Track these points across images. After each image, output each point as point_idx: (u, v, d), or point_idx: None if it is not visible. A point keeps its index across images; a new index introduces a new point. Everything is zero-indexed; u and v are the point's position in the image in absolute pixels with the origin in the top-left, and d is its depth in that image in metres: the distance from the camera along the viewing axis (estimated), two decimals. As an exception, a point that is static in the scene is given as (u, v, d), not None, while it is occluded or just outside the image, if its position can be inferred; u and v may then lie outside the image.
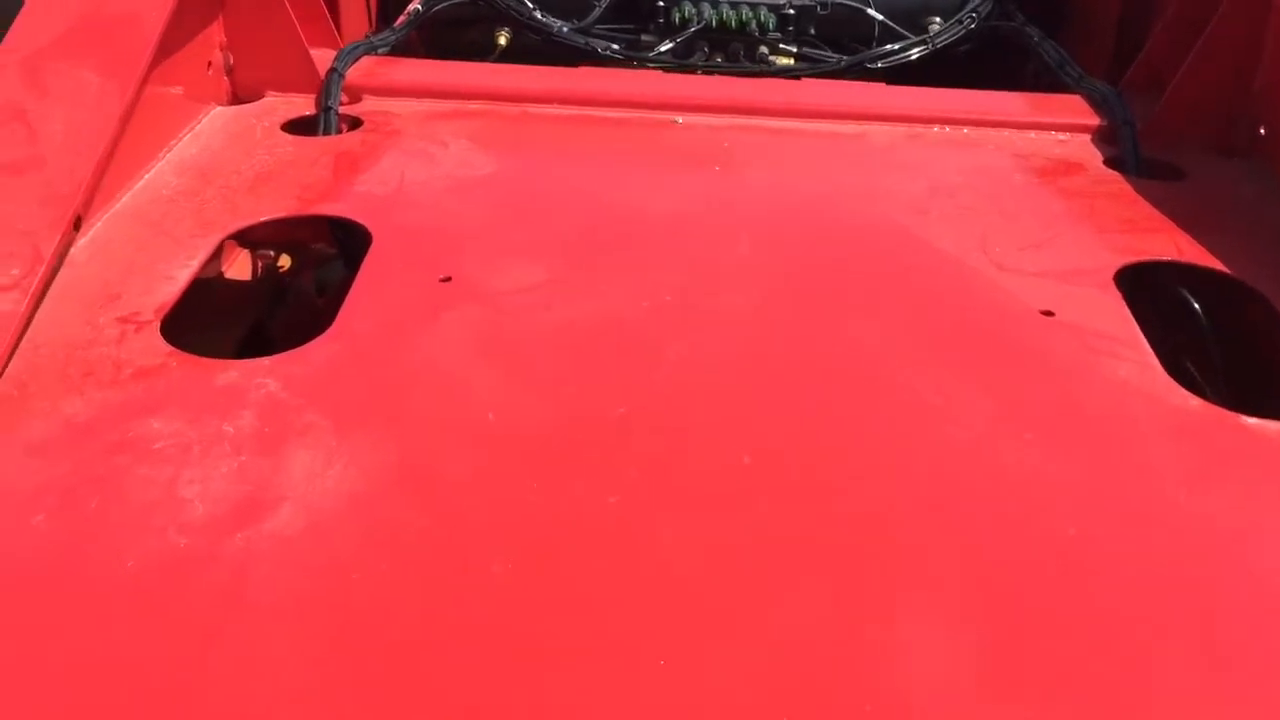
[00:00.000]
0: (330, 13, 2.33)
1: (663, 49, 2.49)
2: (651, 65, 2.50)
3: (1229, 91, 1.89)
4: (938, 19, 2.64)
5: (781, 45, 2.52)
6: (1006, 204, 1.69)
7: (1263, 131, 1.85)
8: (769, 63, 2.48)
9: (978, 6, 2.56)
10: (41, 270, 1.26)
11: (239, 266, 2.03)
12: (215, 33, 1.93)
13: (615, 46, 2.47)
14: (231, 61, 1.96)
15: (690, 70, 2.53)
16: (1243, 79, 1.88)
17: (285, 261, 2.09)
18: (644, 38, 2.59)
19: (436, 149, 1.79)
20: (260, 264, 2.07)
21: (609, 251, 1.50)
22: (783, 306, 1.40)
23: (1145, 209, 1.69)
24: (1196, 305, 1.56)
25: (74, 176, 1.37)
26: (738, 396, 1.23)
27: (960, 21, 2.53)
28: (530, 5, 2.56)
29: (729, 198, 1.67)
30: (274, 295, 2.04)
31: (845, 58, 2.45)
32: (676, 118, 1.94)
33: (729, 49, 2.52)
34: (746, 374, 1.27)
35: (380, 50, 2.15)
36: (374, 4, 2.74)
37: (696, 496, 1.09)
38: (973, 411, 1.24)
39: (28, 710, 0.87)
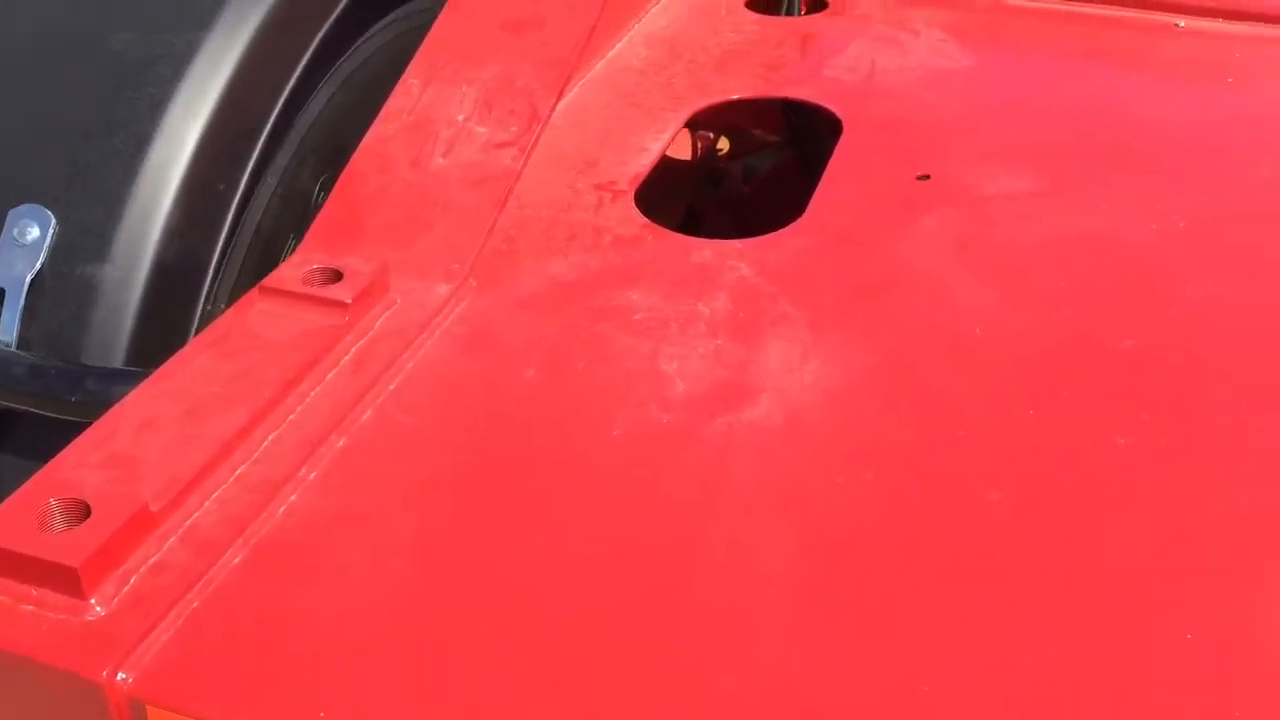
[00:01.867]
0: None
1: None
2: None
3: None
4: None
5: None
6: None
7: None
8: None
9: None
10: (538, 130, 1.28)
11: (678, 145, 2.02)
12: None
13: None
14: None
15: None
16: None
17: (724, 145, 2.07)
18: None
19: (908, 37, 1.68)
20: (700, 144, 2.05)
21: (1104, 163, 1.35)
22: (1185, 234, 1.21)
23: None
24: None
25: (571, 39, 1.38)
26: (1275, 350, 1.07)
27: None
28: None
29: (1246, 114, 1.46)
30: (709, 178, 2.03)
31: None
32: (1178, 20, 1.72)
33: None
34: None
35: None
36: None
37: (1219, 457, 0.95)
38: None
39: (510, 564, 0.88)
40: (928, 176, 1.33)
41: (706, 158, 2.05)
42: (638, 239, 1.26)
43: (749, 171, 2.13)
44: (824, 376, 1.06)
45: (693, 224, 1.96)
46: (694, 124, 1.99)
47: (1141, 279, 1.16)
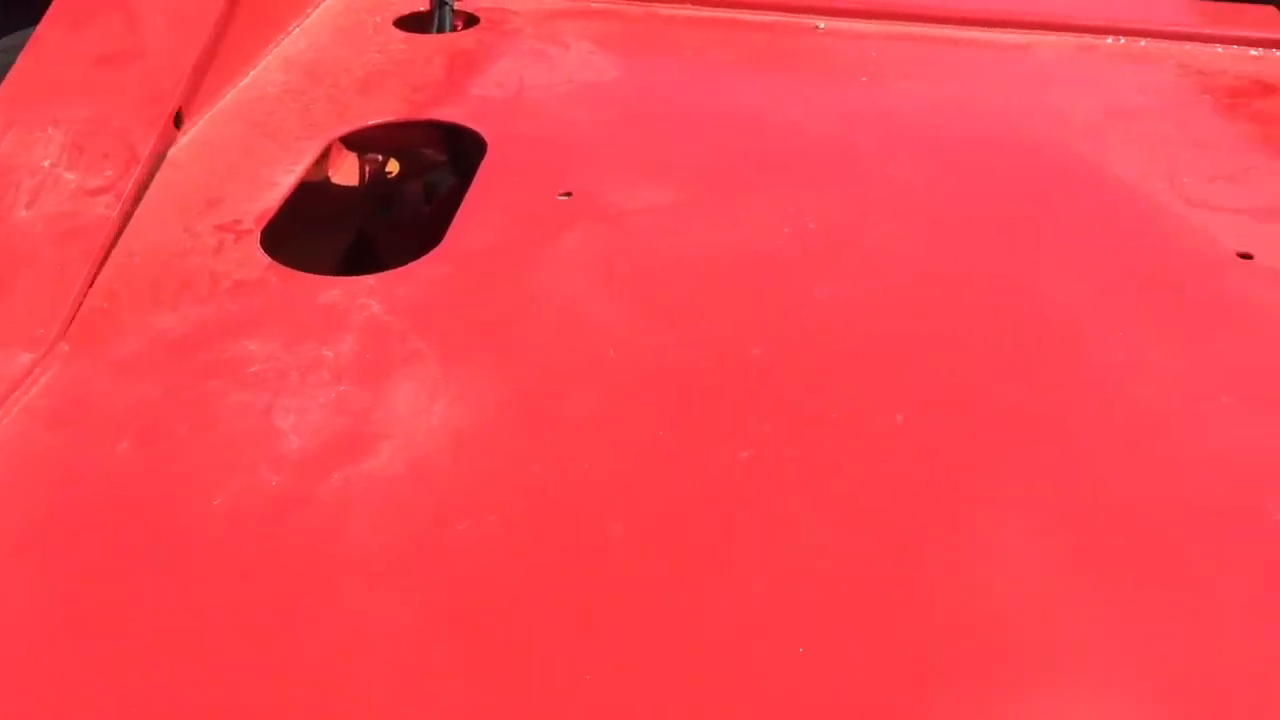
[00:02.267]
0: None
1: None
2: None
3: None
4: None
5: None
6: (1194, 129, 1.49)
7: None
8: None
9: None
10: (137, 171, 1.17)
11: (346, 171, 1.93)
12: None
13: None
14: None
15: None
16: None
17: (394, 167, 1.99)
18: None
19: (557, 51, 1.65)
20: (367, 169, 1.97)
21: (745, 170, 1.36)
22: (944, 240, 1.25)
23: None
24: None
25: (175, 70, 1.27)
26: (891, 343, 1.09)
27: None
28: None
29: (879, 113, 1.51)
30: (380, 202, 1.95)
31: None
32: (818, 23, 1.77)
33: None
34: (902, 317, 1.13)
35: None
36: None
37: (839, 457, 0.96)
38: (1162, 370, 1.08)
39: (98, 657, 0.79)
40: (570, 194, 1.30)
41: (375, 181, 1.97)
42: (260, 283, 1.17)
43: (430, 191, 2.06)
44: (453, 417, 1.00)
45: (368, 254, 1.88)
46: (358, 147, 1.91)
47: (772, 286, 1.16)
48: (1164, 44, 1.73)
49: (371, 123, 1.47)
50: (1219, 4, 1.93)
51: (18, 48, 1.65)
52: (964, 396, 1.04)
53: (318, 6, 1.76)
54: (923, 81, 1.60)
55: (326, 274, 1.20)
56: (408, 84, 1.56)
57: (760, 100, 1.54)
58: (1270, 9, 1.81)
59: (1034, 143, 1.45)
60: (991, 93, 1.59)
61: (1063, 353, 1.09)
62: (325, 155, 1.62)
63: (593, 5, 1.81)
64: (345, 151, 1.89)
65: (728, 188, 1.31)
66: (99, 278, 1.14)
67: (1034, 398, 1.04)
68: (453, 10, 1.78)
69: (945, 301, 1.15)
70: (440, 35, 1.73)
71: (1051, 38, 1.74)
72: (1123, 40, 1.74)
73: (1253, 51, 1.72)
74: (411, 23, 1.76)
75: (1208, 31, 1.74)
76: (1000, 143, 1.45)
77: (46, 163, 1.16)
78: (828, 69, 1.65)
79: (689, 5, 1.80)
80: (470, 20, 1.77)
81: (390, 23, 1.74)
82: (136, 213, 1.23)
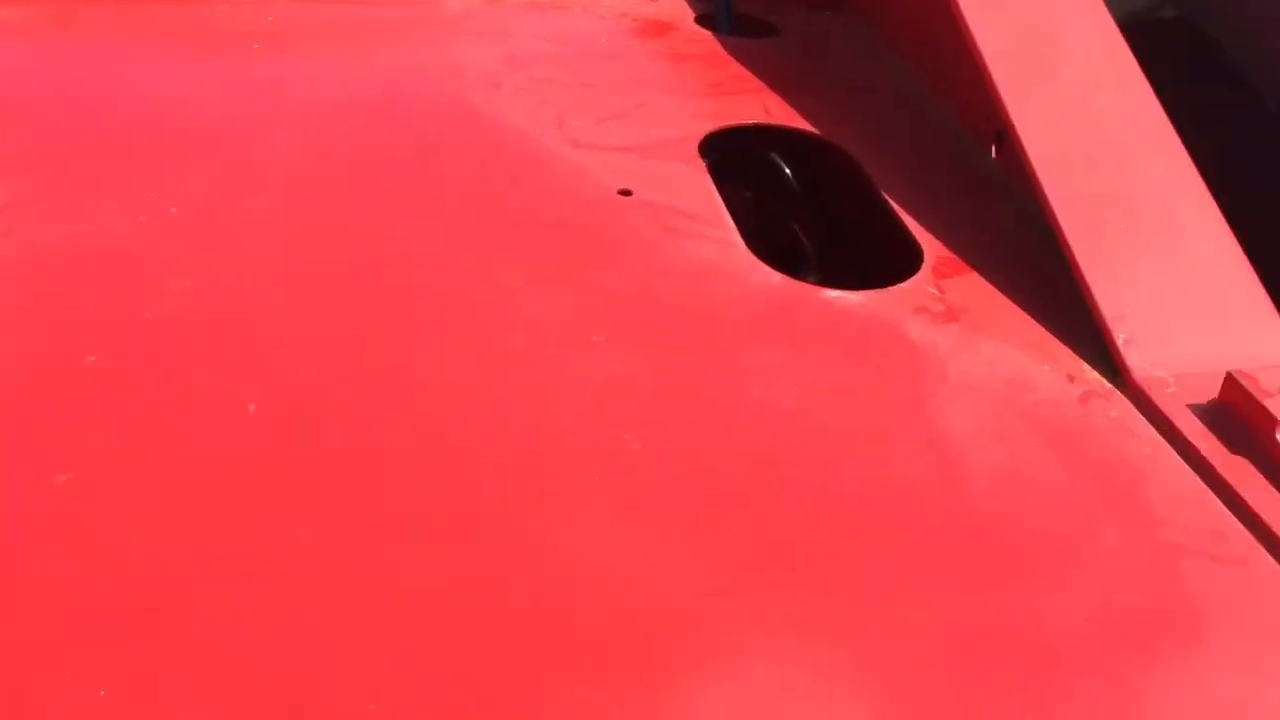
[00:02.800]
0: None
1: None
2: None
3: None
4: None
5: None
6: (588, 73, 1.53)
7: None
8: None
9: None
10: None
11: None
12: None
13: None
14: None
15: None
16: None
17: None
18: None
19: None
20: None
21: (104, 157, 1.23)
22: (322, 211, 1.19)
23: (735, 69, 1.57)
24: (787, 169, 1.47)
25: None
26: (253, 329, 1.01)
27: None
28: None
29: (268, 83, 1.42)
30: None
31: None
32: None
33: None
34: (268, 297, 1.06)
35: None
36: None
37: (181, 463, 0.87)
38: (539, 314, 1.08)
39: None
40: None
41: None
42: None
43: None
44: None
45: None
46: None
47: (116, 283, 1.05)
48: None
49: None
50: None
51: None
52: (330, 373, 0.98)
53: None
54: (324, 45, 1.53)
55: None
56: None
57: (135, 77, 1.40)
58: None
59: (429, 100, 1.42)
60: (392, 52, 1.55)
61: (437, 311, 1.07)
62: None
63: None
64: None
65: (76, 178, 1.18)
66: None
67: (405, 361, 1.01)
68: None
69: (315, 275, 1.09)
70: None
71: None
72: (536, -11, 1.75)
73: None
74: None
75: None
76: (393, 103, 1.41)
77: None
78: (217, 38, 1.53)
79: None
80: None
81: None
82: None
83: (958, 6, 1.37)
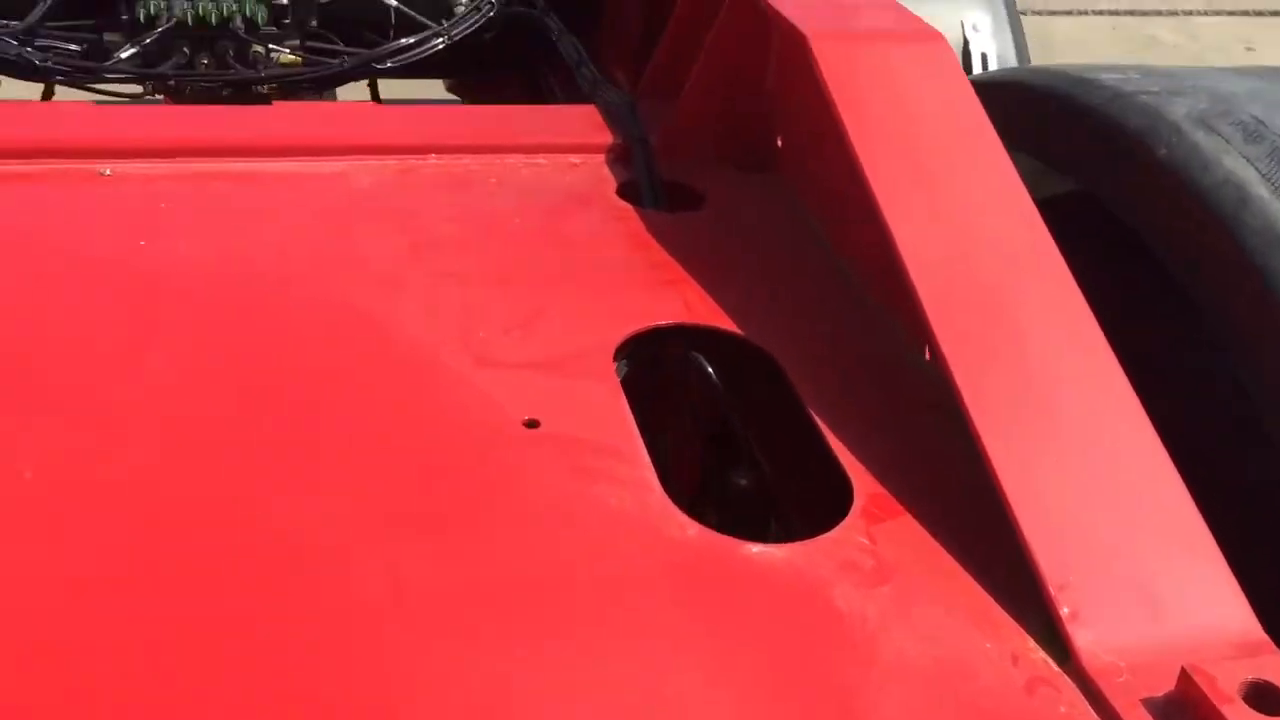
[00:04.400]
0: None
1: (125, 54, 2.05)
2: (111, 79, 2.07)
3: (741, 99, 1.72)
4: None
5: (276, 45, 2.15)
6: (500, 262, 1.43)
7: (779, 142, 1.70)
8: (263, 63, 2.11)
9: None
10: None
11: None
12: None
13: (57, 60, 2.00)
14: None
15: (163, 85, 2.12)
16: (754, 84, 1.72)
17: None
18: (107, 37, 2.13)
19: None
20: None
21: None
22: (185, 464, 1.07)
23: (657, 253, 1.48)
24: (713, 374, 1.38)
25: None
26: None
27: (479, 9, 2.25)
28: None
29: (147, 292, 1.30)
30: None
31: (348, 58, 2.12)
32: (104, 168, 1.53)
33: (215, 49, 2.11)
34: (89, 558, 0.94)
35: None
36: None
37: None
38: (425, 598, 0.97)
39: None
40: None
41: None
42: None
43: None
44: None
45: None
46: None
47: None
48: (489, 159, 1.67)
49: None
50: (548, 108, 1.92)
51: None
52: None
53: None
54: (212, 237, 1.42)
55: None
56: None
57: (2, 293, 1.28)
58: (591, 110, 1.81)
59: (319, 303, 1.31)
60: (290, 239, 1.44)
61: (284, 603, 0.95)
62: None
63: None
64: None
65: None
66: None
67: (244, 655, 0.90)
68: None
69: (156, 548, 0.98)
70: None
71: (373, 162, 1.62)
72: (447, 158, 1.66)
73: (573, 159, 1.70)
74: None
75: (532, 140, 1.71)
76: (279, 306, 1.30)
77: None
78: (103, 231, 1.42)
79: (-68, 161, 1.50)
80: None
81: None
82: None
83: (876, 200, 1.29)
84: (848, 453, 1.18)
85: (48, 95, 2.24)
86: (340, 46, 2.25)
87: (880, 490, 1.13)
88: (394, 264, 1.40)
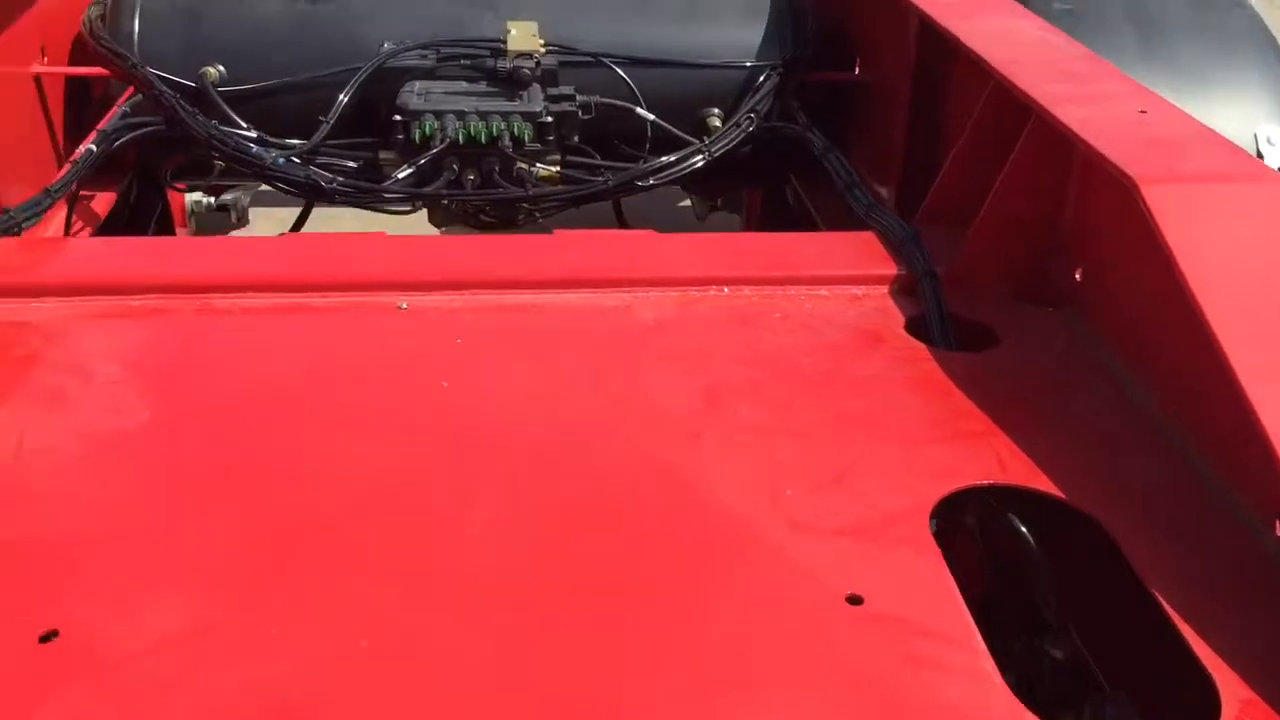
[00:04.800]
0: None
1: (402, 174, 2.13)
2: (390, 198, 2.15)
3: (1037, 230, 1.64)
4: (716, 110, 2.36)
5: (540, 162, 2.19)
6: (798, 411, 1.39)
7: (1078, 276, 1.61)
8: (529, 180, 2.15)
9: (756, 105, 2.28)
10: None
11: None
12: None
13: (341, 180, 2.10)
14: None
15: (435, 202, 2.18)
16: (1051, 216, 1.64)
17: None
18: (382, 155, 2.22)
19: (77, 384, 1.38)
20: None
21: (284, 560, 1.13)
22: (501, 643, 1.05)
23: (957, 399, 1.41)
24: (1030, 538, 1.29)
25: None
26: None
27: (738, 124, 2.25)
28: (245, 130, 2.15)
29: (460, 438, 1.32)
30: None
31: (612, 176, 2.14)
32: (401, 301, 1.58)
33: (482, 165, 2.17)
34: None
35: (27, 223, 1.72)
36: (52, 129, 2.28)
37: None
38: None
39: None
40: (54, 634, 1.03)
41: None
42: None
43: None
44: None
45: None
46: None
47: None
48: (770, 291, 1.64)
49: None
50: (824, 235, 1.88)
51: None
52: None
53: None
54: (511, 378, 1.43)
55: None
56: None
57: (317, 440, 1.31)
58: (869, 237, 1.77)
59: (625, 456, 1.29)
60: (584, 380, 1.44)
61: None
62: None
63: (134, 303, 1.55)
64: None
65: (259, 592, 1.08)
66: None
67: None
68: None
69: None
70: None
71: (654, 294, 1.62)
72: (727, 290, 1.64)
73: (855, 290, 1.65)
74: None
75: (811, 271, 1.67)
76: (587, 459, 1.29)
77: None
78: (407, 370, 1.45)
79: (250, 294, 1.57)
80: None
81: None
82: None
83: (1228, 362, 1.19)
84: (1204, 645, 1.07)
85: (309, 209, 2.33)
86: (597, 160, 2.28)
87: (1252, 697, 1.02)
88: (690, 412, 1.37)
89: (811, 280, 1.65)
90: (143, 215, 2.60)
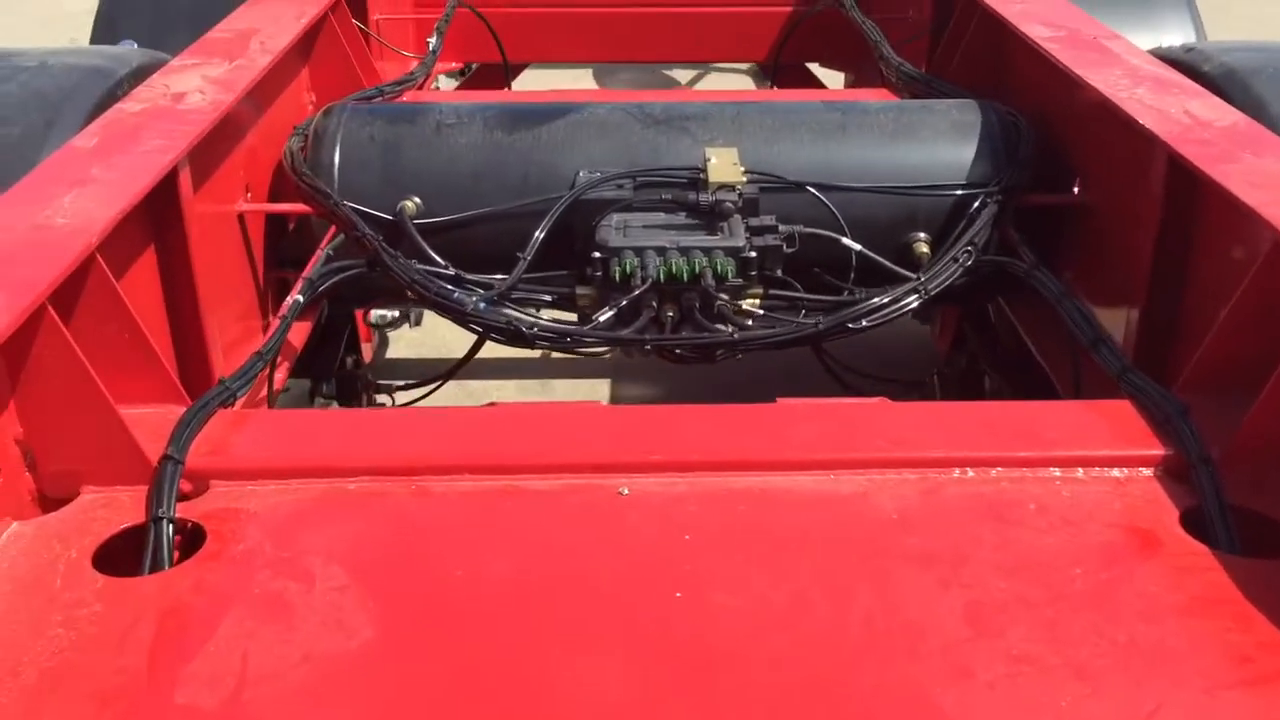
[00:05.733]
0: (183, 324, 1.89)
1: (603, 318, 2.04)
2: (590, 344, 2.07)
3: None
4: (923, 235, 2.23)
5: (742, 296, 2.08)
6: (1077, 640, 1.23)
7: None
8: (729, 317, 2.04)
9: (975, 236, 2.13)
10: None
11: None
12: (8, 424, 1.47)
13: (540, 327, 2.02)
14: (33, 454, 1.49)
15: (636, 345, 2.09)
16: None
17: None
18: (579, 290, 2.14)
19: (298, 590, 1.32)
20: None
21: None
22: None
23: (1257, 625, 1.24)
24: None
25: None
26: None
27: (955, 259, 2.11)
28: (443, 268, 2.11)
29: (697, 664, 1.21)
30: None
31: (822, 320, 2.02)
32: (622, 486, 1.48)
33: (681, 301, 2.07)
34: None
35: (240, 392, 1.70)
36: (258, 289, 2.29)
37: None
38: None
39: None
40: None
41: None
42: None
43: None
44: None
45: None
46: None
47: None
48: (1020, 474, 1.49)
49: None
50: (1073, 404, 1.72)
51: None
52: None
53: (2, 533, 1.40)
54: (742, 574, 1.32)
55: None
56: (94, 691, 1.19)
57: (546, 652, 1.22)
58: (1123, 405, 1.60)
59: (883, 687, 1.17)
60: (827, 586, 1.31)
61: None
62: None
63: (349, 486, 1.49)
64: None
65: None
66: None
67: None
68: (173, 525, 1.43)
69: None
70: (152, 577, 1.37)
71: (892, 476, 1.49)
72: (971, 472, 1.50)
73: (1115, 473, 1.49)
74: (122, 548, 1.41)
75: (1064, 451, 1.52)
76: (838, 690, 1.17)
77: None
78: (632, 574, 1.35)
79: (467, 476, 1.51)
80: (196, 534, 1.43)
81: (89, 557, 1.38)
82: None
83: None
84: None
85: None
86: (800, 292, 2.16)
87: None
88: (953, 638, 1.23)
89: (1066, 461, 1.50)
90: (333, 336, 2.60)
